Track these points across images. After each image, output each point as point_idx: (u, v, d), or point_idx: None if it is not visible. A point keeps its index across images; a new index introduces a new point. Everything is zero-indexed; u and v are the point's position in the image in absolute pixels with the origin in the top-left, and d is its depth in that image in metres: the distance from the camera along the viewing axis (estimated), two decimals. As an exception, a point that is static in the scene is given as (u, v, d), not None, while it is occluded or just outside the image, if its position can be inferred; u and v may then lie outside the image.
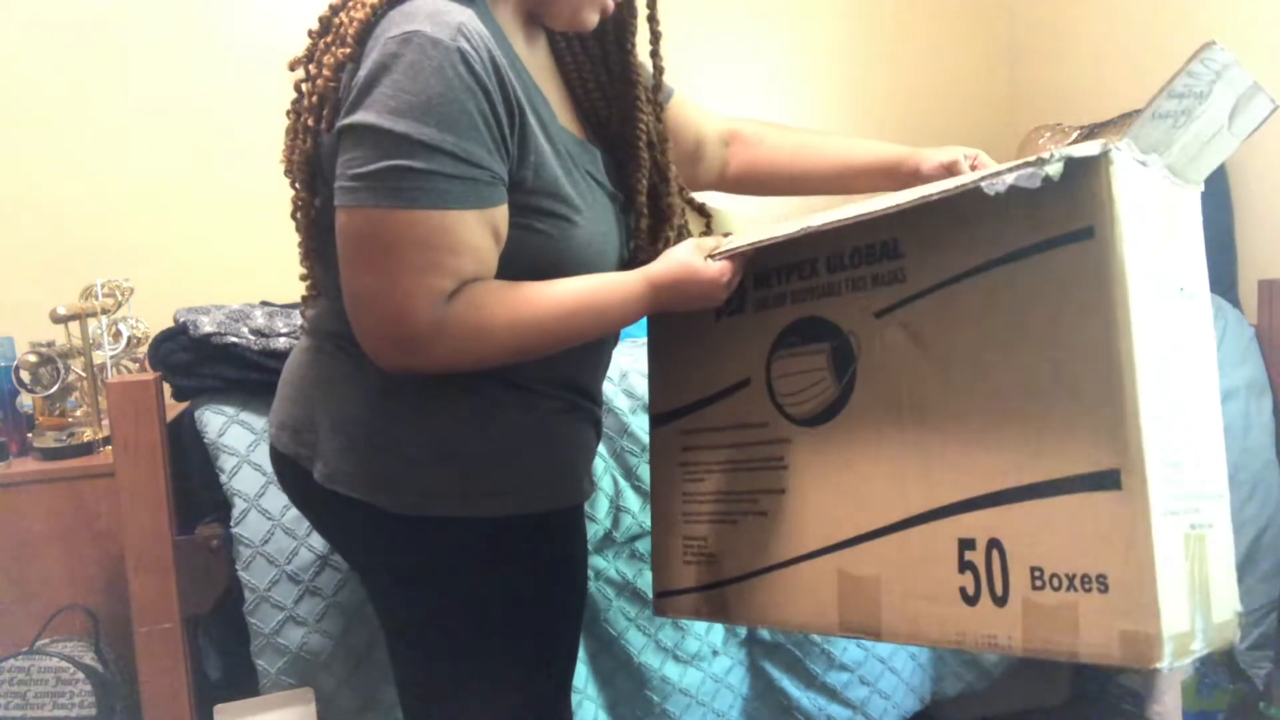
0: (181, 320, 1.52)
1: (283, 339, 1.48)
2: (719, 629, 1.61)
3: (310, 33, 0.98)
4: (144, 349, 1.76)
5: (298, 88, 0.98)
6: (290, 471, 1.03)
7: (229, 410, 1.45)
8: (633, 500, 1.52)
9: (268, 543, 1.36)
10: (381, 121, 0.82)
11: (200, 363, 1.49)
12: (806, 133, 1.29)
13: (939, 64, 2.80)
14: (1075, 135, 2.29)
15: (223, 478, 1.38)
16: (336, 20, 0.91)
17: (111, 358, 1.78)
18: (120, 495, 1.34)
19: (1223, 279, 2.06)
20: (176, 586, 1.37)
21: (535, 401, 0.99)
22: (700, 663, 1.58)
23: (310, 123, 0.93)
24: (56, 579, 1.59)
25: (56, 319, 1.67)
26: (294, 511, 1.38)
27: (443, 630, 1.01)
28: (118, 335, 1.81)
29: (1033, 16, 2.75)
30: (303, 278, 1.09)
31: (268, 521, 1.37)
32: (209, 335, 1.46)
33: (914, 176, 1.17)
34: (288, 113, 1.01)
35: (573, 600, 1.10)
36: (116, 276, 1.89)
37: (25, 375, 1.69)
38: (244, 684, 1.40)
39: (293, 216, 1.01)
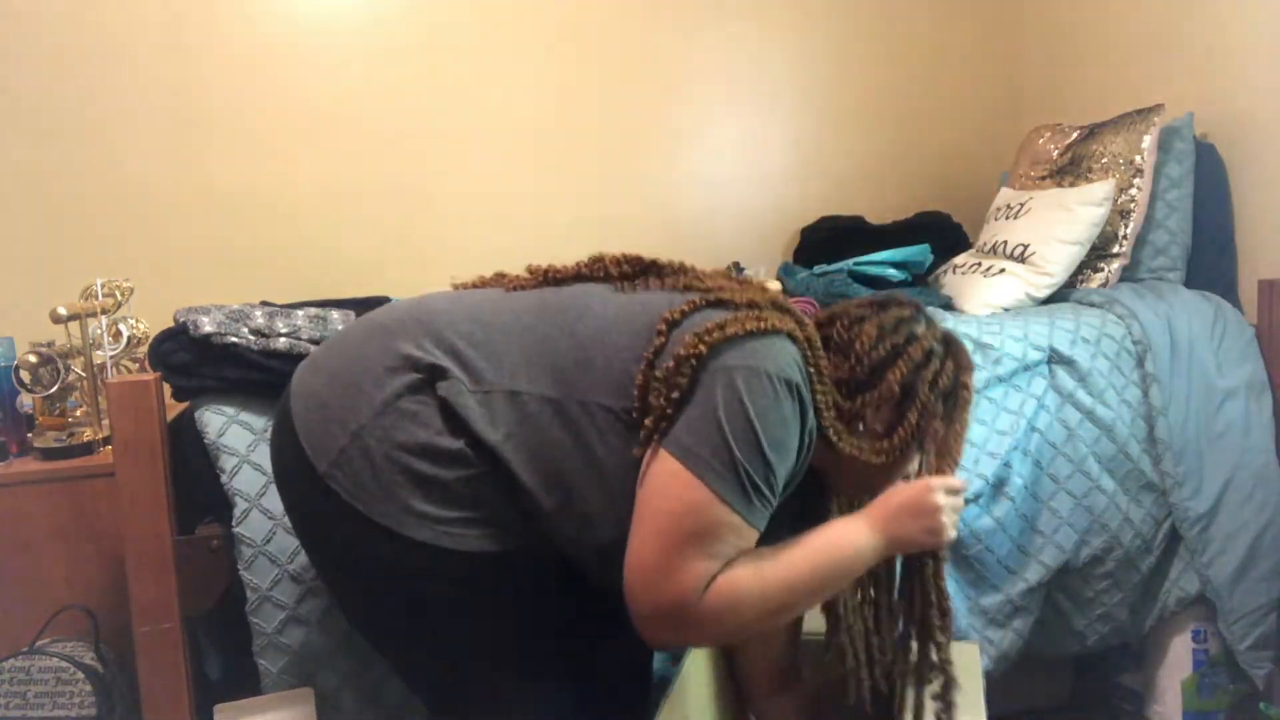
0: (181, 320, 1.52)
1: (283, 339, 1.48)
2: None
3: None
4: (144, 349, 1.76)
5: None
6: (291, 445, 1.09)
7: (229, 410, 1.44)
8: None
9: (269, 542, 1.36)
10: (758, 427, 0.95)
11: (201, 363, 1.49)
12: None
13: (939, 64, 2.80)
14: (1075, 135, 2.29)
15: (223, 478, 1.38)
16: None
17: (111, 358, 1.78)
18: (120, 495, 1.34)
19: (1223, 279, 2.06)
20: (176, 586, 1.37)
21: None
22: (700, 663, 1.58)
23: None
24: (56, 579, 1.59)
25: (56, 319, 1.67)
26: (295, 511, 1.38)
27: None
28: (118, 335, 1.81)
29: (1033, 17, 2.75)
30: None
31: (269, 521, 1.37)
32: (209, 335, 1.46)
33: None
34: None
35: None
36: (116, 276, 1.89)
37: (25, 375, 1.69)
38: (244, 684, 1.40)
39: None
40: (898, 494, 1.09)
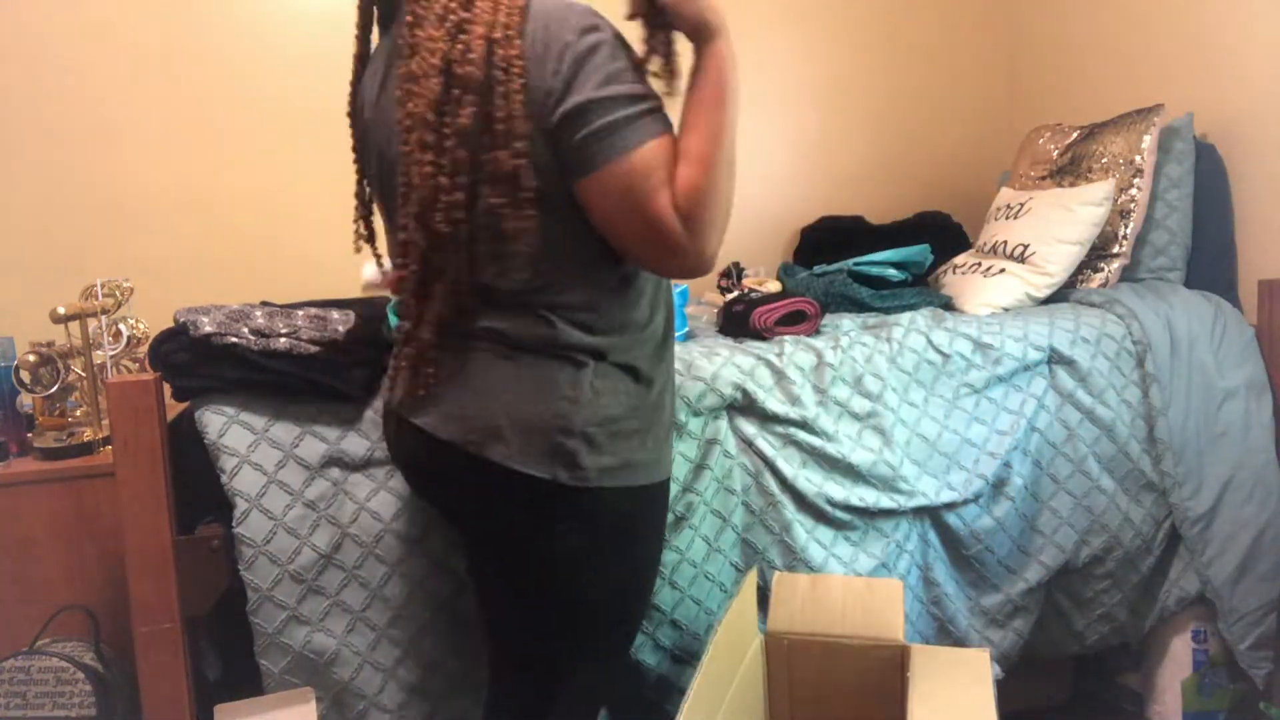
0: (181, 320, 1.52)
1: (283, 339, 1.48)
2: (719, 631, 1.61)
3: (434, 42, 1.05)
4: (144, 349, 1.76)
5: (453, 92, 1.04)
6: (445, 456, 1.12)
7: (229, 410, 1.44)
8: (633, 500, 1.52)
9: (270, 542, 1.36)
10: (606, 91, 1.01)
11: (200, 363, 1.49)
12: None
13: (939, 64, 2.80)
14: (1075, 135, 2.29)
15: (224, 478, 1.38)
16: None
17: (111, 358, 1.78)
18: (120, 495, 1.34)
19: (1223, 279, 2.06)
20: (176, 586, 1.37)
21: (654, 384, 1.18)
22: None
23: (519, 126, 1.02)
24: (56, 579, 1.59)
25: (56, 319, 1.67)
26: (296, 511, 1.38)
27: (617, 593, 1.20)
28: (118, 335, 1.81)
29: (1033, 17, 2.76)
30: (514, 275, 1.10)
31: (269, 521, 1.37)
32: (209, 335, 1.46)
33: None
34: (453, 126, 1.04)
35: None
36: (116, 276, 1.89)
37: (25, 375, 1.69)
38: (244, 684, 1.40)
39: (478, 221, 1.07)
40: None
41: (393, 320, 1.71)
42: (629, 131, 1.01)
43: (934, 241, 2.26)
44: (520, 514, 1.12)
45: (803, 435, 1.62)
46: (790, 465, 1.61)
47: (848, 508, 1.62)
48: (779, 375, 1.65)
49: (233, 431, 1.42)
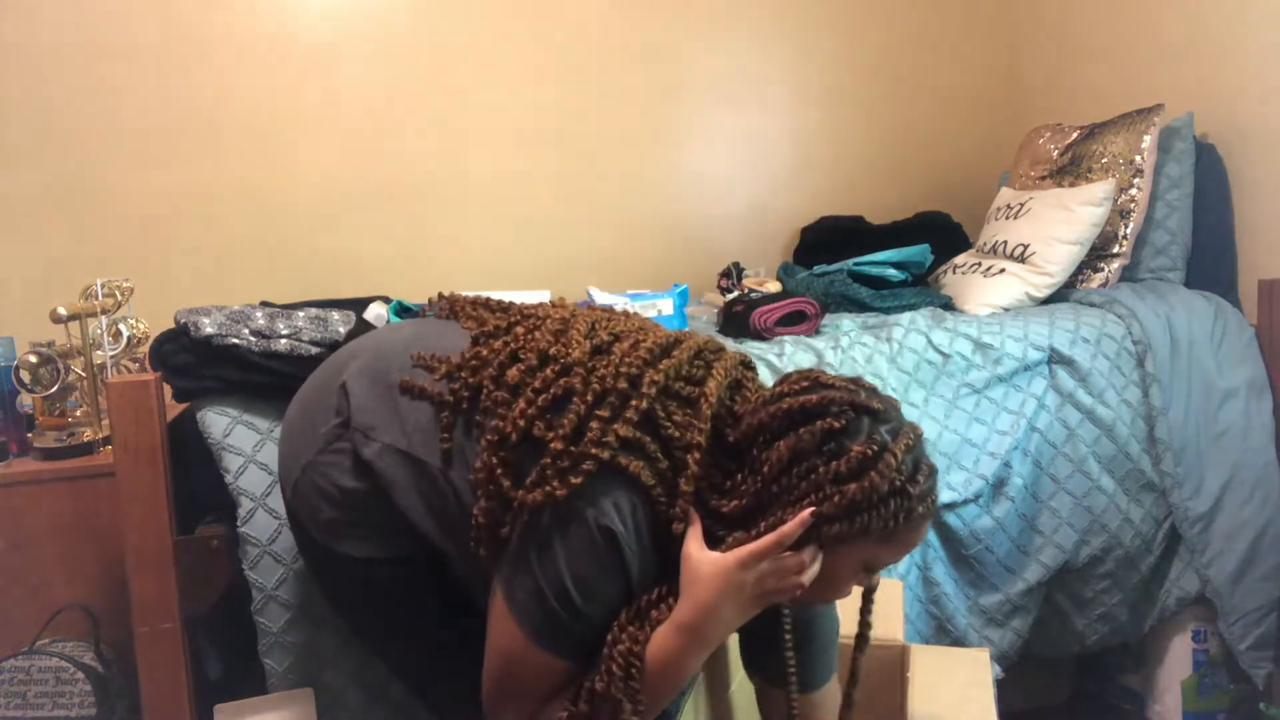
0: (182, 321, 1.52)
1: (283, 340, 1.48)
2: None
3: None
4: (144, 349, 1.75)
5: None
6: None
7: (233, 411, 1.44)
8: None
9: (275, 541, 1.36)
10: (568, 580, 0.94)
11: (202, 364, 1.49)
12: None
13: (939, 64, 2.80)
14: (1075, 135, 2.29)
15: (228, 478, 1.38)
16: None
17: (111, 358, 1.78)
18: (120, 495, 1.34)
19: (1223, 279, 2.06)
20: (176, 586, 1.37)
21: None
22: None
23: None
24: (56, 579, 1.59)
25: (56, 319, 1.67)
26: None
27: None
28: (118, 335, 1.81)
29: (1033, 17, 2.76)
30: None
31: (274, 520, 1.37)
32: (210, 337, 1.46)
33: None
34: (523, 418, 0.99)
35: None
36: (116, 276, 1.89)
37: (25, 375, 1.69)
38: (244, 684, 1.40)
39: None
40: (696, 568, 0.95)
41: (393, 319, 1.71)
42: (535, 611, 0.94)
43: (934, 241, 2.26)
44: None
45: (803, 435, 1.62)
46: (791, 465, 1.61)
47: (848, 508, 1.62)
48: (779, 375, 1.64)
49: (237, 431, 1.42)
